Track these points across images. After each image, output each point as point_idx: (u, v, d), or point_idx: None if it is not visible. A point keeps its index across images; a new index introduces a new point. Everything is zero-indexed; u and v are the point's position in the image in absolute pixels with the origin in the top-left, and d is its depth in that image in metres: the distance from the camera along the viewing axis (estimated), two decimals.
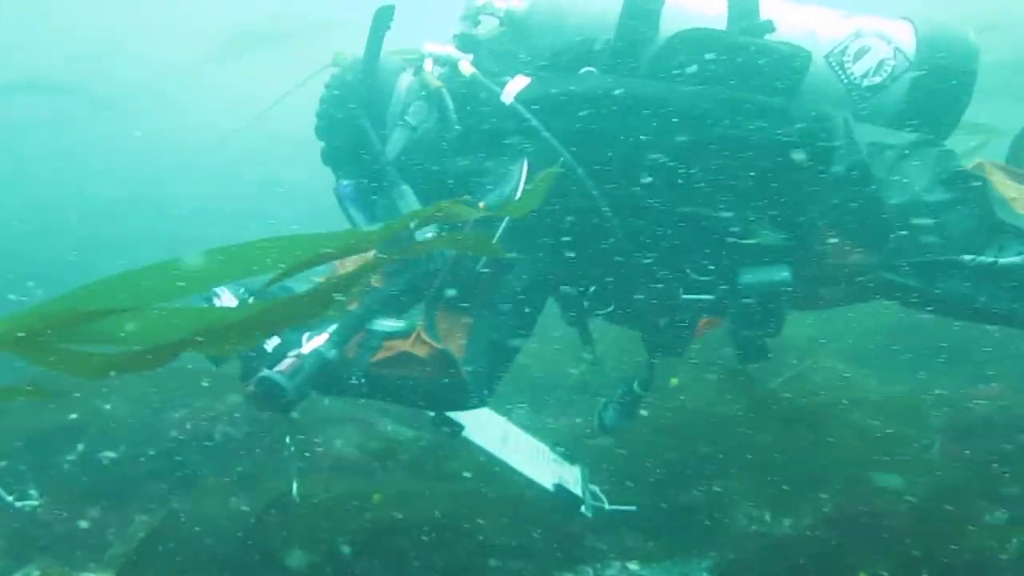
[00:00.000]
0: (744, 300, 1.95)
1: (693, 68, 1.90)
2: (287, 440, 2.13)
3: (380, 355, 1.86)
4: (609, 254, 1.95)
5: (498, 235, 1.83)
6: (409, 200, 1.98)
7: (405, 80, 2.08)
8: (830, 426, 2.96)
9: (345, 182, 2.06)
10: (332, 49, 2.25)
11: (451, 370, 1.82)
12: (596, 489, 2.45)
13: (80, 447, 3.93)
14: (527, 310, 1.93)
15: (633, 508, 2.44)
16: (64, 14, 10.34)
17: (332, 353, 1.81)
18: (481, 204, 1.84)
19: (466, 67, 2.02)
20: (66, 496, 3.37)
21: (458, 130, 2.00)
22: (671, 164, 1.87)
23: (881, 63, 1.93)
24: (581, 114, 1.89)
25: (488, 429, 2.39)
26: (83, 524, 3.22)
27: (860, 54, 1.93)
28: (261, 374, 1.78)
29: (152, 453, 3.99)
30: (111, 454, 4.00)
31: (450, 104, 2.01)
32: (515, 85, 1.96)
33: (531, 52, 2.05)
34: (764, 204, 1.90)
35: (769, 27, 1.96)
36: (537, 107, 1.90)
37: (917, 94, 1.93)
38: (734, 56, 1.90)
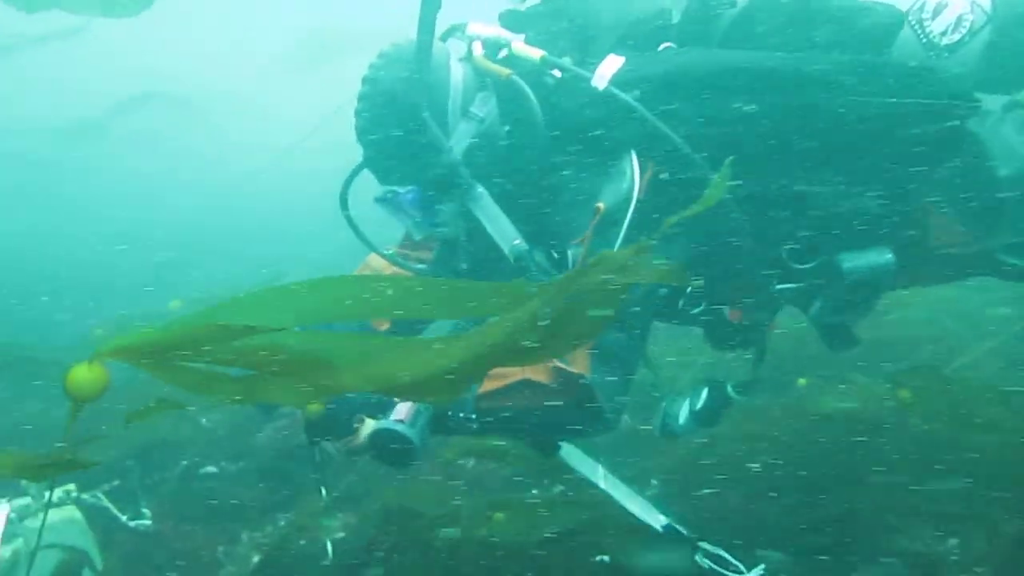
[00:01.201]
0: (841, 285, 1.78)
1: (766, 31, 1.75)
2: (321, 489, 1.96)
3: (489, 386, 1.66)
4: (727, 248, 1.77)
5: (621, 239, 1.66)
6: (487, 205, 1.76)
7: (458, 68, 1.84)
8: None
9: (404, 188, 1.78)
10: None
11: (583, 394, 1.63)
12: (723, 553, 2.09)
13: (184, 463, 3.97)
14: (647, 318, 1.77)
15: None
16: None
17: None
18: (599, 205, 1.67)
19: (532, 50, 1.81)
20: (174, 514, 3.36)
21: (542, 123, 1.76)
22: (798, 140, 1.69)
23: (960, 19, 1.78)
24: (697, 94, 1.69)
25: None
26: (193, 543, 3.20)
27: (938, 10, 1.79)
28: (379, 426, 1.63)
29: (250, 467, 3.99)
30: (212, 469, 4.02)
31: (531, 94, 1.75)
32: (608, 67, 1.74)
33: (589, 29, 1.87)
34: (879, 179, 1.73)
35: None
36: (638, 91, 1.70)
37: (997, 50, 1.78)
38: (827, 18, 1.73)
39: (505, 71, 1.79)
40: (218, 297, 5.95)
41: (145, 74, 12.30)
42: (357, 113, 1.79)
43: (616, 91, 1.70)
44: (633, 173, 1.71)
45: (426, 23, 1.72)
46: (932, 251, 1.85)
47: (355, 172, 1.97)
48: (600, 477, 2.10)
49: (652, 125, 1.67)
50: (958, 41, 1.78)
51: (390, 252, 2.08)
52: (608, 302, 1.10)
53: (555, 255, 1.78)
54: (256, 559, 3.14)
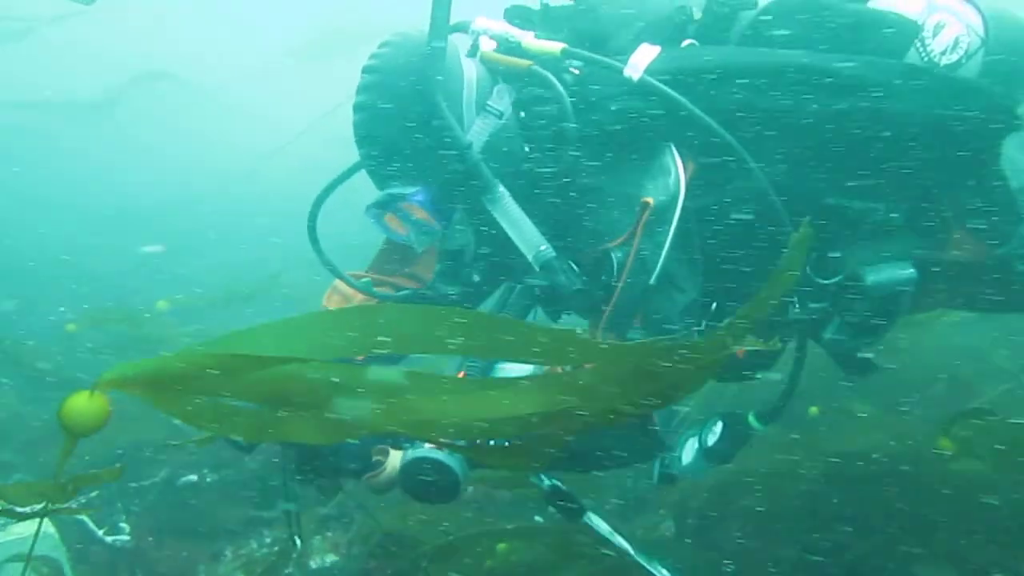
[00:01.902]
0: (860, 303, 1.71)
1: (783, 33, 1.68)
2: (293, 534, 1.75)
3: None
4: (769, 253, 1.63)
5: (670, 239, 1.56)
6: (508, 206, 1.61)
7: (468, 62, 1.71)
8: None
9: (413, 188, 1.60)
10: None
11: (644, 420, 1.51)
12: None
13: (164, 472, 3.78)
14: (695, 328, 1.65)
15: None
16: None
17: None
18: (647, 200, 1.56)
19: (549, 43, 1.68)
20: (154, 528, 3.19)
21: (571, 116, 1.61)
22: (838, 142, 1.62)
23: (957, 40, 1.78)
24: (736, 89, 1.61)
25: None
26: (174, 561, 3.02)
27: (937, 29, 1.78)
28: (415, 455, 1.46)
29: (233, 478, 3.82)
30: (193, 478, 3.84)
31: (558, 84, 1.62)
32: (642, 57, 1.63)
33: (601, 24, 1.77)
34: (910, 188, 1.69)
35: None
36: (673, 82, 1.60)
37: (991, 73, 1.79)
38: (845, 24, 1.68)
39: (525, 62, 1.66)
40: (206, 297, 5.79)
41: (152, 57, 12.19)
42: (358, 106, 1.61)
43: (653, 80, 1.60)
44: (677, 168, 1.62)
45: (441, 8, 1.56)
46: (950, 265, 1.79)
47: (331, 188, 1.85)
48: (619, 541, 1.95)
49: (694, 115, 1.57)
50: (956, 62, 1.78)
51: (363, 280, 1.91)
52: (686, 384, 0.97)
53: (578, 261, 1.66)
54: None
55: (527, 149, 1.67)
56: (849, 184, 1.66)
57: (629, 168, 1.64)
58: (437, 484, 1.47)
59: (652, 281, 1.57)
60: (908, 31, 1.72)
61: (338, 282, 1.96)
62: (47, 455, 3.56)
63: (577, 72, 1.68)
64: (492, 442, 1.27)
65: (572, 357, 0.94)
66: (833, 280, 1.72)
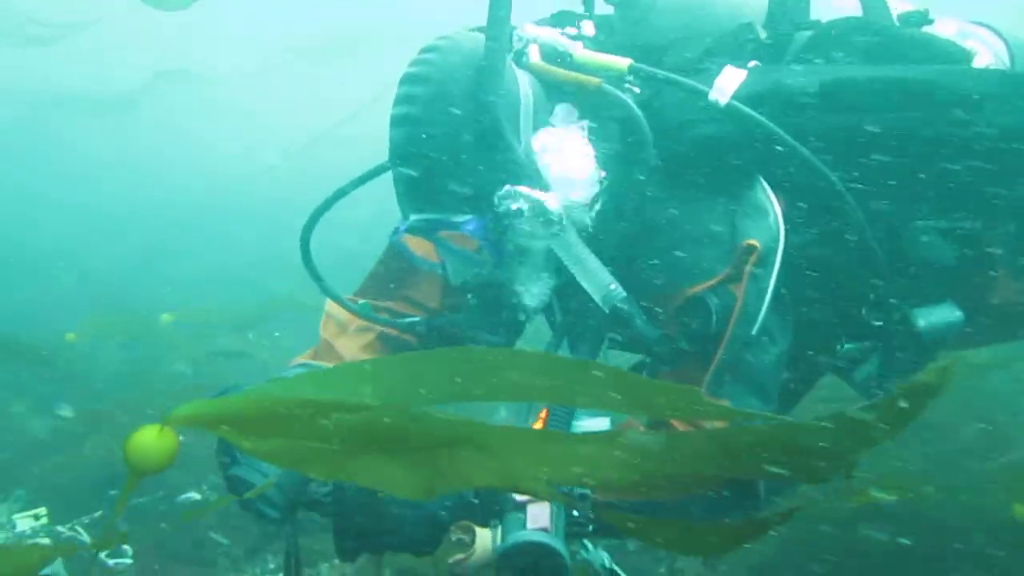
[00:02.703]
0: (906, 346, 1.64)
1: (841, 55, 1.59)
2: None
3: None
4: (861, 291, 1.59)
5: (772, 285, 1.45)
6: (572, 241, 1.45)
7: (522, 74, 1.52)
8: None
9: (464, 216, 1.43)
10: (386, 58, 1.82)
11: (750, 483, 1.35)
12: None
13: (160, 493, 3.66)
14: (784, 375, 1.55)
15: None
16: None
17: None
18: (752, 242, 1.44)
19: (612, 57, 1.53)
20: (156, 552, 3.06)
21: (651, 143, 1.46)
22: (940, 166, 1.52)
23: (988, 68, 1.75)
24: (840, 111, 1.49)
25: None
26: None
27: (971, 57, 1.71)
28: (520, 539, 1.26)
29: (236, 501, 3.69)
30: (195, 495, 3.72)
31: (636, 108, 1.46)
32: (728, 80, 1.49)
33: (658, 37, 1.65)
34: (986, 220, 1.62)
35: (926, 18, 1.69)
36: (764, 108, 1.47)
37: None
38: (904, 48, 1.61)
39: (594, 80, 1.50)
40: (210, 311, 5.65)
41: (170, 57, 12.23)
42: (401, 120, 1.42)
43: (742, 107, 1.46)
44: (774, 206, 1.49)
45: (499, 10, 1.39)
46: (993, 308, 1.73)
47: (327, 205, 1.71)
48: None
49: (790, 147, 1.44)
50: None
51: (360, 304, 1.77)
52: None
53: (652, 303, 1.52)
54: None
55: (599, 177, 1.51)
56: (939, 212, 1.57)
57: (714, 203, 1.51)
58: (541, 569, 1.27)
59: (754, 332, 1.44)
60: (961, 57, 1.65)
61: (331, 306, 1.83)
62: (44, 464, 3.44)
63: (638, 90, 1.54)
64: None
65: (692, 412, 0.88)
66: (885, 322, 1.63)
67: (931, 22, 1.71)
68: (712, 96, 1.47)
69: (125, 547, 2.88)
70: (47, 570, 2.54)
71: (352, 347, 1.78)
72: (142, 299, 5.75)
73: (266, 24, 12.58)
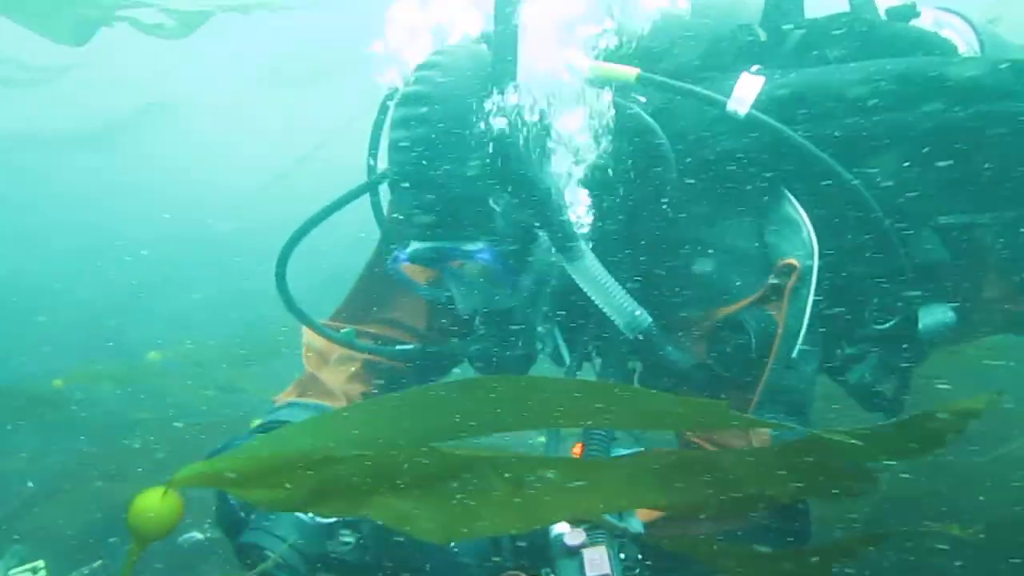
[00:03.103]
0: (903, 346, 1.61)
1: (837, 53, 1.57)
2: None
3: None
4: (868, 295, 1.56)
5: (810, 306, 1.40)
6: (591, 266, 1.36)
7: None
8: None
9: (476, 244, 1.35)
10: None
11: (799, 517, 1.33)
12: None
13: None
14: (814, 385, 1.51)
15: None
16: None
17: (634, 524, 1.21)
18: (791, 261, 1.37)
19: (619, 66, 1.44)
20: None
21: (671, 157, 1.40)
22: (965, 166, 1.49)
23: None
24: (857, 111, 1.44)
25: None
26: None
27: None
28: None
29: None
30: (198, 536, 3.65)
31: (651, 120, 1.40)
32: (747, 88, 1.42)
33: (654, 40, 1.55)
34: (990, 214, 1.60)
35: (913, 11, 1.68)
36: (783, 116, 1.42)
37: None
38: (897, 44, 1.60)
39: (606, 95, 1.44)
40: (201, 347, 5.54)
41: (142, 91, 12.14)
42: (405, 143, 1.33)
43: (764, 117, 1.40)
44: (803, 218, 1.43)
45: (504, 15, 1.28)
46: (983, 306, 1.72)
47: (305, 230, 1.63)
48: None
49: (815, 159, 1.38)
50: None
51: (346, 331, 1.71)
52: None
53: (678, 328, 1.45)
54: None
55: (612, 194, 1.45)
56: (960, 203, 1.53)
57: (740, 218, 1.45)
58: None
59: (795, 354, 1.39)
60: (949, 50, 1.66)
61: (309, 334, 1.74)
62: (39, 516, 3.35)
63: (643, 100, 1.47)
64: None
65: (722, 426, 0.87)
66: (888, 325, 1.58)
67: (918, 15, 1.70)
68: (731, 106, 1.40)
69: None
70: None
71: (338, 378, 1.71)
72: (130, 338, 5.65)
73: (243, 54, 12.54)
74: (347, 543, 1.30)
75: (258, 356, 4.66)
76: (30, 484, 3.50)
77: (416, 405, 0.95)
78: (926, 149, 1.46)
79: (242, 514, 1.34)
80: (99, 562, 2.80)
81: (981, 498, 2.27)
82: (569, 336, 1.58)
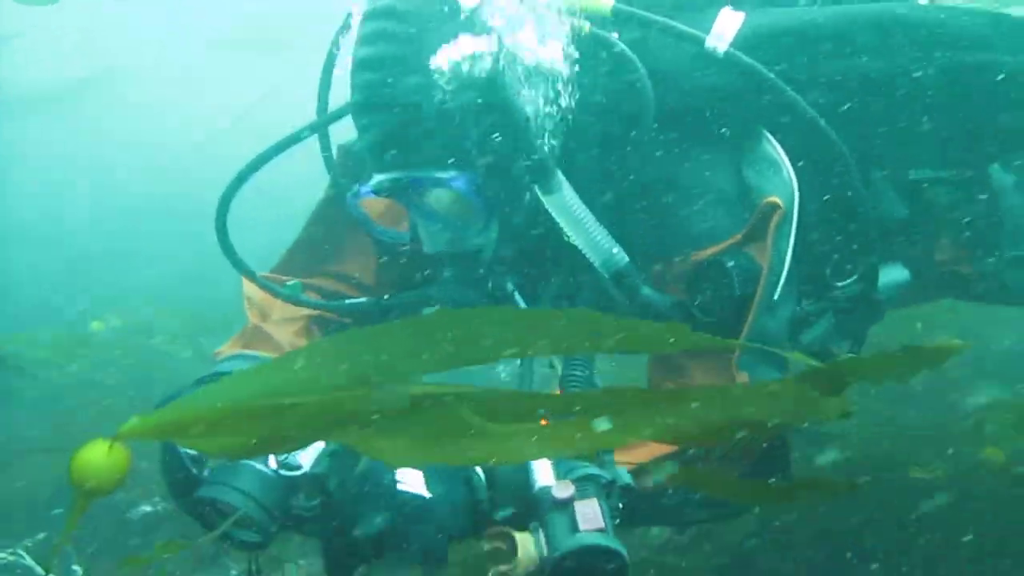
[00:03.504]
0: (858, 306, 1.60)
1: None
2: None
3: (644, 454, 1.23)
4: (829, 250, 1.53)
5: (792, 243, 1.35)
6: (570, 201, 1.30)
7: None
8: None
9: (449, 173, 1.28)
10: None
11: (779, 452, 1.33)
12: None
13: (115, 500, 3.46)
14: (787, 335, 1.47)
15: None
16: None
17: (622, 474, 1.17)
18: (774, 200, 1.32)
19: (598, 0, 1.38)
20: (110, 569, 2.91)
21: (650, 94, 1.33)
22: (946, 114, 1.48)
23: None
24: (837, 55, 1.40)
25: None
26: None
27: None
28: (583, 543, 1.09)
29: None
30: (147, 508, 3.54)
31: (632, 54, 1.33)
32: (726, 25, 1.37)
33: None
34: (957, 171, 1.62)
35: None
36: (762, 55, 1.37)
37: None
38: None
39: (586, 25, 1.36)
40: (149, 316, 5.35)
41: (90, 56, 11.56)
42: (369, 62, 1.25)
43: (744, 57, 1.35)
44: (783, 158, 1.38)
45: None
46: (934, 268, 1.74)
47: (242, 178, 1.53)
48: None
49: (790, 100, 1.35)
50: None
51: (290, 284, 1.60)
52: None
53: (657, 270, 1.40)
54: None
55: (590, 130, 1.38)
56: (928, 156, 1.52)
57: (717, 158, 1.41)
58: (599, 573, 1.11)
59: (776, 297, 1.34)
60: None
61: (249, 287, 1.64)
62: None
63: (616, 35, 1.40)
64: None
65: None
66: (847, 282, 1.56)
67: None
68: (710, 43, 1.36)
69: (75, 567, 2.72)
70: None
71: (283, 333, 1.62)
72: (74, 309, 5.42)
73: (191, 20, 12.05)
74: (312, 502, 1.20)
75: (213, 322, 4.51)
76: None
77: (374, 341, 0.89)
78: (896, 98, 1.44)
79: (193, 470, 1.23)
80: (43, 534, 2.69)
81: (950, 451, 2.34)
82: (530, 284, 1.51)
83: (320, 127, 1.53)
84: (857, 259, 1.56)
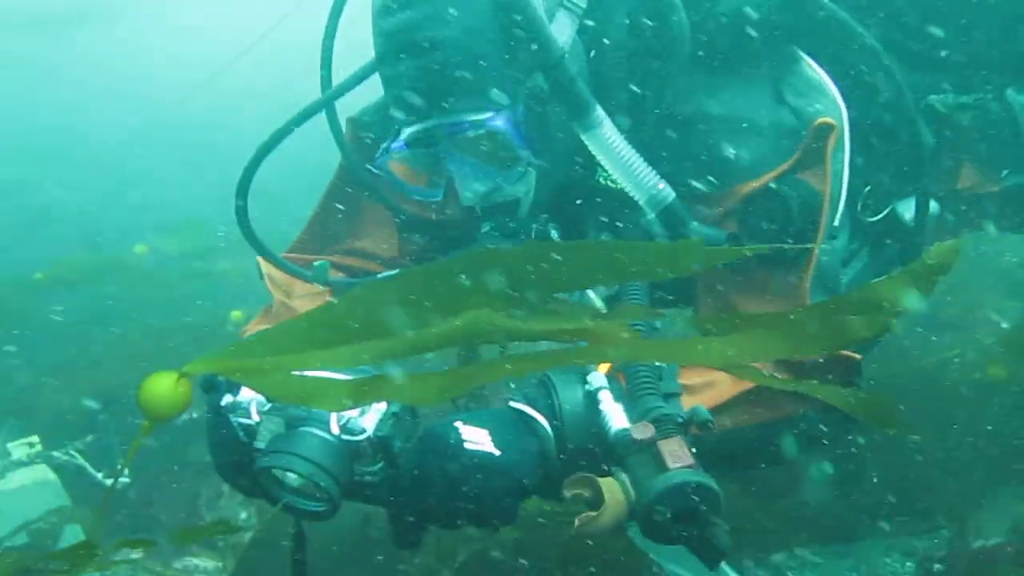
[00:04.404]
0: (891, 241, 1.54)
1: None
2: None
3: (718, 395, 1.16)
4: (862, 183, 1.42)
5: (847, 170, 1.27)
6: (610, 135, 1.21)
7: None
8: None
9: (487, 114, 1.20)
10: None
11: (852, 370, 1.18)
12: None
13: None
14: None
15: None
16: None
17: (701, 412, 1.08)
18: (826, 120, 1.23)
19: None
20: (152, 468, 3.09)
21: (684, 19, 1.25)
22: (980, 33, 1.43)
23: None
24: None
25: None
26: (175, 499, 2.95)
27: None
28: (678, 480, 1.00)
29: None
30: (192, 415, 3.71)
31: None
32: None
33: None
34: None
35: None
36: None
37: None
38: None
39: None
40: (189, 238, 5.28)
41: None
42: (393, 4, 1.17)
43: None
44: (825, 79, 1.29)
45: None
46: (958, 196, 1.66)
47: (259, 158, 1.42)
48: None
49: (833, 15, 1.26)
50: None
51: (318, 264, 1.51)
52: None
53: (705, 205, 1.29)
54: (243, 515, 2.94)
55: (626, 58, 1.27)
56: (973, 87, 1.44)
57: (756, 83, 1.31)
58: (691, 512, 1.02)
59: (836, 223, 1.26)
60: None
61: (269, 267, 1.55)
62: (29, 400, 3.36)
63: None
64: None
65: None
66: (879, 217, 1.47)
67: None
68: None
69: (119, 466, 2.90)
70: (48, 496, 2.55)
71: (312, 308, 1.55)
72: (114, 231, 5.42)
73: None
74: (376, 466, 1.11)
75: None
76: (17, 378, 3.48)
77: (421, 283, 0.92)
78: (918, 21, 1.39)
79: (246, 440, 1.12)
80: (90, 437, 2.85)
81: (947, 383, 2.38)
82: (571, 230, 1.43)
83: (337, 95, 1.41)
84: (892, 191, 1.46)
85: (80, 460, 2.72)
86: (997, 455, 2.08)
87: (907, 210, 1.50)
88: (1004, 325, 2.73)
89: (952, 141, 1.57)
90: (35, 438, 2.81)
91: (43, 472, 2.56)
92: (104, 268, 4.37)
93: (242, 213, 1.47)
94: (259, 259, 1.56)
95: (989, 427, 2.13)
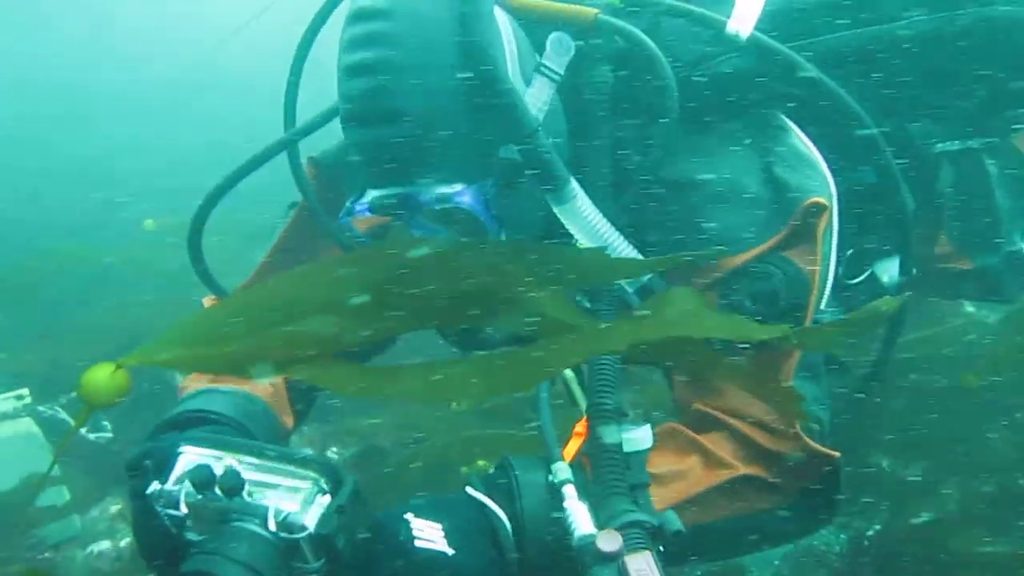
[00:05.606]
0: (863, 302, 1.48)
1: None
2: None
3: (683, 491, 1.08)
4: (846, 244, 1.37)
5: (835, 250, 1.22)
6: (584, 209, 1.14)
7: (499, 12, 1.18)
8: None
9: (455, 187, 1.11)
10: None
11: (830, 480, 1.12)
12: None
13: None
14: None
15: None
16: None
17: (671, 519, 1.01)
18: (818, 200, 1.16)
19: None
20: (135, 421, 3.12)
21: (673, 84, 1.18)
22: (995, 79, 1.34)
23: None
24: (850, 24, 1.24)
25: None
26: None
27: None
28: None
29: None
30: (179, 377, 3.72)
31: (650, 43, 1.17)
32: (749, 7, 1.21)
33: None
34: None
35: None
36: (784, 34, 1.22)
37: None
38: None
39: (590, 11, 1.19)
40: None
41: None
42: (360, 67, 1.08)
43: (769, 40, 1.19)
44: (815, 153, 1.24)
45: None
46: (932, 260, 1.61)
47: (215, 197, 1.34)
48: None
49: (826, 88, 1.19)
50: None
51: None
52: None
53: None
54: None
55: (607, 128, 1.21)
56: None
57: (743, 153, 1.24)
58: None
59: (823, 306, 1.21)
60: None
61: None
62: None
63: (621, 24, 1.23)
64: None
65: None
66: (860, 279, 1.43)
67: None
68: (732, 27, 1.20)
69: (104, 423, 2.93)
70: (31, 449, 2.58)
71: None
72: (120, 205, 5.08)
73: None
74: (317, 563, 0.97)
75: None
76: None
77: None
78: (927, 59, 1.29)
79: (174, 531, 0.98)
80: (75, 392, 2.87)
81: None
82: None
83: (299, 137, 1.33)
84: (872, 254, 1.42)
85: (64, 415, 2.74)
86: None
87: (884, 272, 1.44)
88: None
89: (934, 205, 1.52)
90: (25, 391, 2.83)
91: (27, 425, 2.57)
92: (108, 243, 4.19)
93: (196, 252, 1.38)
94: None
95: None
